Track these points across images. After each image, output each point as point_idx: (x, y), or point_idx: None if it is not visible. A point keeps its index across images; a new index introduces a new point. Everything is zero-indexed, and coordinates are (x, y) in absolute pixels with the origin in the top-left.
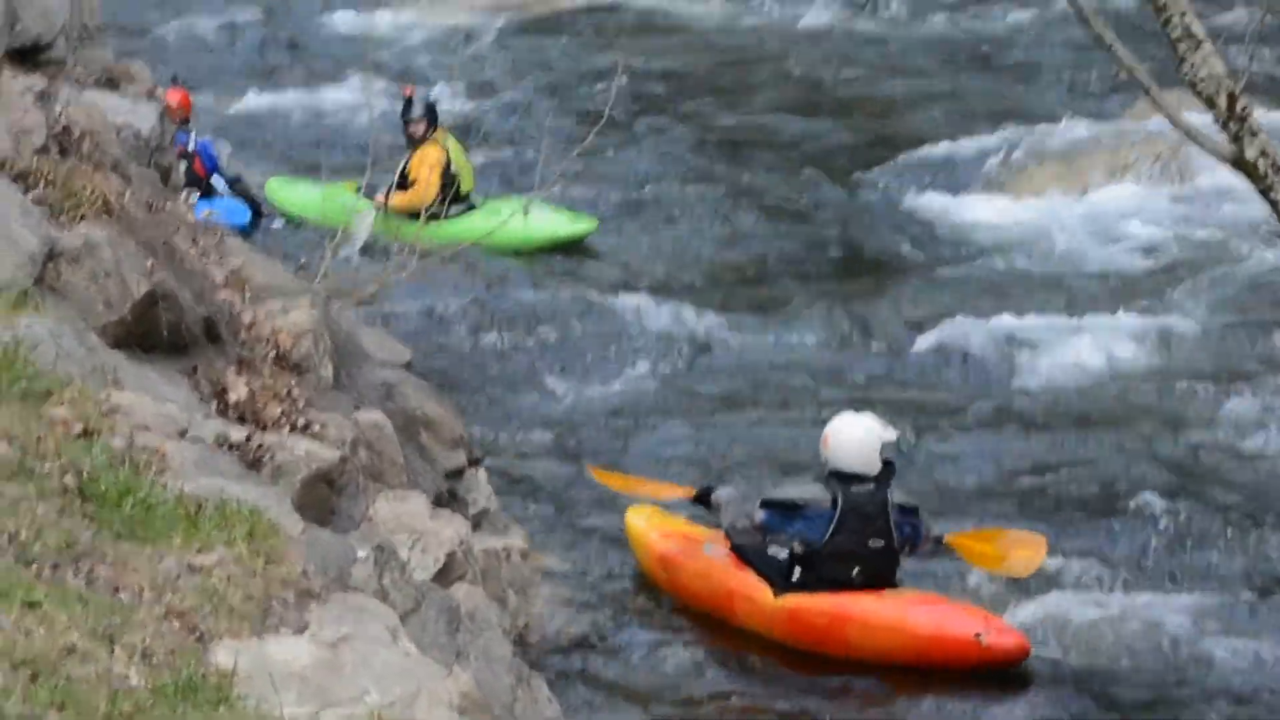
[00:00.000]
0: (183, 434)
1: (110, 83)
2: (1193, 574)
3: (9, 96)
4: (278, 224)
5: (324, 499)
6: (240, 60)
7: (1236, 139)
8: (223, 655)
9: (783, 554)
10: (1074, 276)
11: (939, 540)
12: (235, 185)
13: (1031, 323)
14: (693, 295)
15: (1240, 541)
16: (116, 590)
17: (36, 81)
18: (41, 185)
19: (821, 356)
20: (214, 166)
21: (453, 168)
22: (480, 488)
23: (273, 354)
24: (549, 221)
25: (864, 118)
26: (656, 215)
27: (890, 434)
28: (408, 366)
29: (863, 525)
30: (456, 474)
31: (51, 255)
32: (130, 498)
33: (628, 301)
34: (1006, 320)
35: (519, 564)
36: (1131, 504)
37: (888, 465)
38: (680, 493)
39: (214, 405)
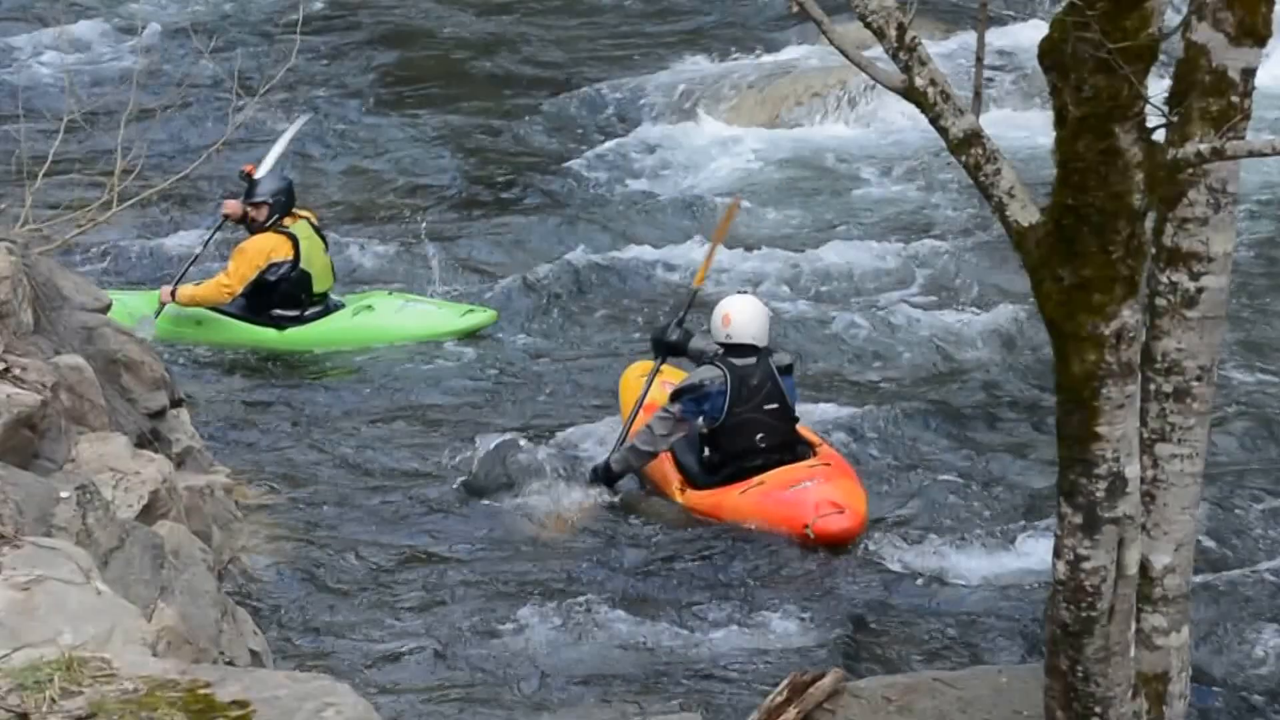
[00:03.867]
0: None
1: None
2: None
3: None
4: None
5: (26, 443)
6: None
7: (906, 69)
8: None
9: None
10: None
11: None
12: None
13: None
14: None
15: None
16: None
17: None
18: None
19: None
20: None
21: (301, 263)
22: (183, 427)
23: None
24: (438, 319)
25: (545, 64)
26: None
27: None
28: (107, 310)
29: (754, 393)
30: (159, 414)
31: None
32: None
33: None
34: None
35: (223, 499)
36: None
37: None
38: None
39: None
